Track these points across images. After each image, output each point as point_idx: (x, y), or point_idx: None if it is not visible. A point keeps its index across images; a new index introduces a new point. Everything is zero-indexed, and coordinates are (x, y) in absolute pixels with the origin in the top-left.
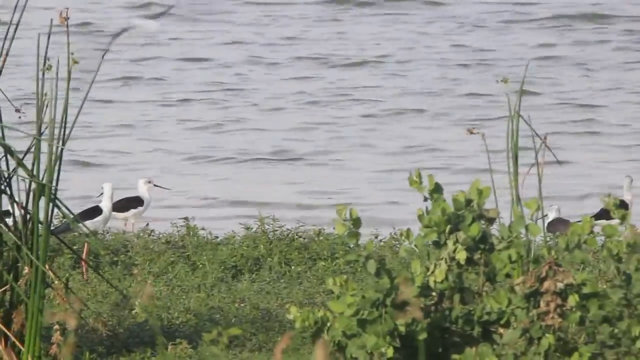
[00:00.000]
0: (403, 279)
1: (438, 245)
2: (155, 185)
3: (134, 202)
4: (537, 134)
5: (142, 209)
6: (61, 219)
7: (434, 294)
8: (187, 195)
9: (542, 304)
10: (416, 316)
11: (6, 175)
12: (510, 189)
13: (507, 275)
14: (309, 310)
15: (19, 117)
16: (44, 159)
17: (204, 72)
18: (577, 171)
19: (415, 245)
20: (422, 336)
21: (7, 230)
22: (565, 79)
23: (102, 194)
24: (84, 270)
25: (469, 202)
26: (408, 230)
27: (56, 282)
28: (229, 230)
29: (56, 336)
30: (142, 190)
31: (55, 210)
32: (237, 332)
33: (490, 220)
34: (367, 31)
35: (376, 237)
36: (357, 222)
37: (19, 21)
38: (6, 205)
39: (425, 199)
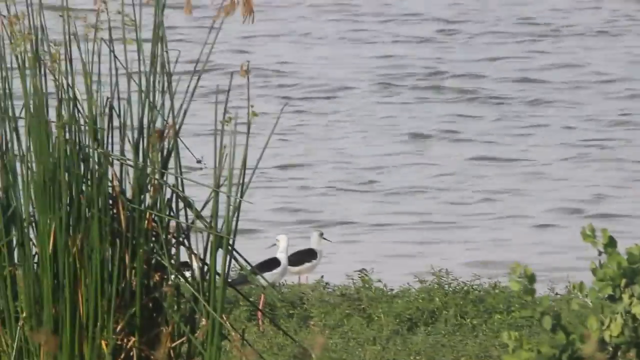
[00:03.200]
0: (580, 335)
1: (612, 299)
2: (324, 239)
3: (308, 255)
4: None
5: (316, 262)
6: (238, 270)
7: (609, 348)
8: (361, 249)
9: None
10: None
11: (185, 227)
12: None
13: None
14: None
15: (201, 169)
16: (222, 210)
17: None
18: None
19: (591, 301)
20: None
21: (185, 282)
22: None
23: (273, 245)
24: (260, 322)
25: None
26: (581, 283)
27: (233, 333)
28: (404, 283)
29: None
30: (315, 242)
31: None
32: None
33: None
34: None
35: (552, 290)
36: (531, 278)
37: (199, 78)
38: (185, 257)
39: (600, 253)
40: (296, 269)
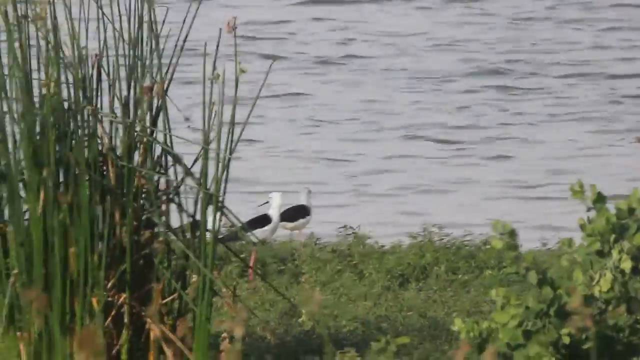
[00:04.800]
0: (567, 288)
1: (601, 254)
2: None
3: (302, 211)
4: None
5: (309, 218)
6: (229, 227)
7: (599, 303)
8: (354, 204)
9: None
10: (584, 325)
11: (175, 184)
12: None
13: None
14: (474, 321)
15: (188, 126)
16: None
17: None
18: None
19: (581, 259)
20: (587, 346)
21: (175, 238)
22: None
23: (266, 202)
24: (251, 278)
25: (631, 210)
26: (570, 239)
27: (224, 290)
28: (396, 239)
29: (224, 344)
30: (304, 199)
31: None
32: (405, 341)
33: None
34: None
35: (544, 245)
36: (512, 234)
37: (187, 35)
38: (175, 215)
39: (589, 209)
40: (290, 225)
